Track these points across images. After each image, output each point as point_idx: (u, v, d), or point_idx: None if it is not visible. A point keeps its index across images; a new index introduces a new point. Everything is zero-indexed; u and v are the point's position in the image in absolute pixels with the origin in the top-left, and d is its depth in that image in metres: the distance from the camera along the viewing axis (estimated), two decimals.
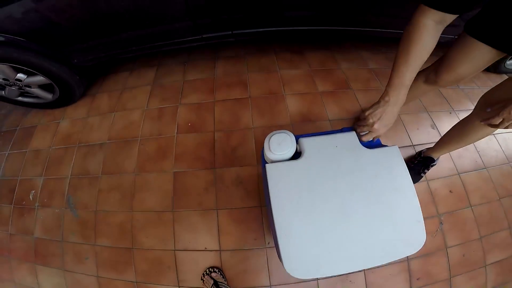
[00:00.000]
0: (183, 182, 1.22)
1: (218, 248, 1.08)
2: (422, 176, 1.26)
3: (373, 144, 0.69)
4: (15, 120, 1.68)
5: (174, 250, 1.11)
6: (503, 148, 1.41)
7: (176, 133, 1.37)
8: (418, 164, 1.25)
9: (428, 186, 1.27)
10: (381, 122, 0.67)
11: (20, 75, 1.42)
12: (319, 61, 1.62)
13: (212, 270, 1.03)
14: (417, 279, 1.14)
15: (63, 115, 1.60)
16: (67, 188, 1.34)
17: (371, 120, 0.67)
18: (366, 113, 0.69)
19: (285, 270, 0.54)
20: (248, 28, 1.40)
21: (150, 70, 1.68)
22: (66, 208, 1.30)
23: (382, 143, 0.71)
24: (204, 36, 1.39)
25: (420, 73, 0.98)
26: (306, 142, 0.65)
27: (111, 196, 1.26)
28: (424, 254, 1.17)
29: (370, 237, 0.56)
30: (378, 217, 0.57)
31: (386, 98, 0.67)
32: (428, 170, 1.26)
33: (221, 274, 1.03)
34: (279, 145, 0.62)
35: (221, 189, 1.18)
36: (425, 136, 1.37)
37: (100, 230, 1.21)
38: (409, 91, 0.80)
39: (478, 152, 1.39)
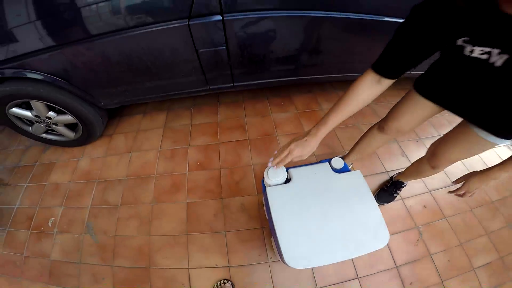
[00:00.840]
0: (195, 210, 1.43)
1: (227, 265, 1.26)
2: (395, 197, 1.47)
3: (342, 170, 0.95)
4: (33, 155, 1.83)
5: (188, 268, 1.27)
6: (467, 167, 1.66)
7: (187, 171, 1.60)
8: (391, 187, 1.47)
9: (404, 203, 1.49)
10: (298, 146, 0.79)
11: (51, 113, 1.57)
12: (304, 103, 1.96)
13: (225, 281, 1.21)
14: (410, 284, 1.28)
15: (82, 154, 1.78)
16: (87, 217, 1.48)
17: (292, 144, 0.80)
18: (292, 139, 0.83)
19: (286, 264, 0.75)
20: (246, 81, 1.69)
21: (161, 114, 1.95)
22: (86, 234, 1.43)
23: (360, 171, 0.98)
24: (211, 87, 1.67)
25: (376, 124, 1.17)
26: (293, 171, 0.93)
27: (129, 223, 1.42)
28: (410, 261, 1.32)
29: (346, 236, 0.80)
30: (350, 222, 0.82)
31: (311, 131, 0.80)
32: (400, 191, 1.47)
33: (232, 286, 1.22)
34: (275, 174, 0.89)
35: (228, 215, 1.40)
36: (396, 163, 1.64)
37: (118, 252, 1.35)
38: (366, 141, 1.07)
39: (445, 172, 1.59)
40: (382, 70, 0.72)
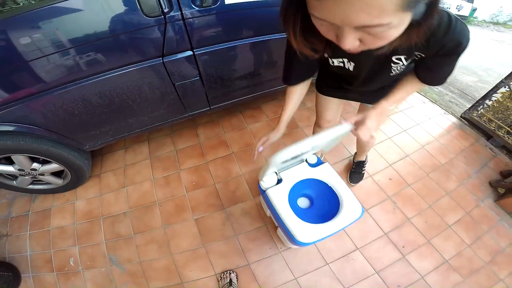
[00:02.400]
0: (204, 224, 1.65)
1: (246, 263, 1.51)
2: (363, 174, 1.77)
3: (317, 164, 1.29)
4: (22, 206, 1.79)
5: (215, 274, 1.48)
6: (415, 138, 2.04)
7: (186, 192, 1.79)
8: (356, 167, 1.77)
9: (373, 179, 1.80)
10: (270, 135, 1.04)
11: (35, 165, 1.55)
12: (272, 111, 2.25)
13: (230, 272, 1.45)
14: (403, 247, 1.55)
15: (75, 197, 1.81)
16: (105, 250, 1.58)
17: (265, 137, 1.05)
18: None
19: (298, 244, 1.07)
20: (221, 102, 1.87)
21: (142, 145, 2.06)
22: (111, 266, 1.54)
23: (327, 160, 1.34)
24: (189, 114, 1.82)
25: (315, 124, 1.44)
26: (282, 174, 1.23)
27: (149, 248, 1.57)
28: (394, 227, 1.60)
29: (332, 214, 1.14)
30: (332, 203, 1.17)
31: (275, 128, 1.04)
32: (364, 168, 1.77)
33: (236, 277, 1.45)
34: (269, 179, 1.21)
35: (234, 221, 1.65)
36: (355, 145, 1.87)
37: (149, 276, 1.49)
38: None
39: (398, 146, 1.98)
40: (288, 82, 1.00)
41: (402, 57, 0.75)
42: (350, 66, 0.84)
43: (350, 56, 0.81)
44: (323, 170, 1.27)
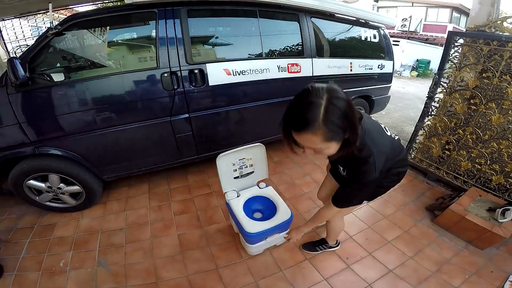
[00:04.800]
0: (185, 238, 1.95)
1: (215, 267, 1.74)
2: (317, 250, 1.86)
3: (264, 187, 1.87)
4: (30, 220, 2.06)
5: (188, 275, 1.69)
6: None
7: (174, 216, 2.16)
8: (318, 242, 1.86)
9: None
10: (294, 231, 1.49)
11: (62, 185, 1.92)
12: None
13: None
14: (346, 258, 1.78)
15: (81, 216, 2.12)
16: (96, 255, 1.80)
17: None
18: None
19: (247, 235, 1.55)
20: (207, 152, 2.41)
21: (143, 184, 2.51)
22: (98, 267, 1.72)
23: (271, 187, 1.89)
24: (183, 159, 2.37)
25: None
26: (240, 192, 1.81)
27: (135, 254, 1.81)
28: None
29: (272, 215, 1.67)
30: (271, 211, 1.72)
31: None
32: (324, 248, 1.84)
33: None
34: (231, 195, 1.77)
35: (209, 236, 1.96)
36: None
37: (130, 275, 1.66)
38: None
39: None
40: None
41: (341, 168, 1.19)
42: (344, 172, 1.19)
43: (343, 165, 1.17)
44: (268, 190, 1.87)
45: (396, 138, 1.19)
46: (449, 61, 2.19)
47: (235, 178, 1.85)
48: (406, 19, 12.17)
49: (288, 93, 2.48)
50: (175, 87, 1.97)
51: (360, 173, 1.01)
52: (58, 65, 1.91)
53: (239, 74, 2.19)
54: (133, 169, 2.25)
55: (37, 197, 1.99)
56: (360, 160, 0.97)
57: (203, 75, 2.04)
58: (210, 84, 2.08)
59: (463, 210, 1.93)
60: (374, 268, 1.75)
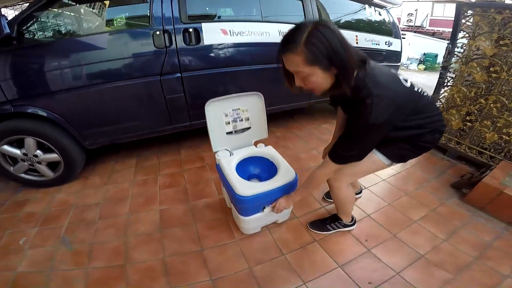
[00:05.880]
0: (167, 213, 1.61)
1: (200, 248, 1.38)
2: (329, 229, 1.46)
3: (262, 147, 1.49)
4: (4, 196, 1.81)
5: (163, 257, 1.34)
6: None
7: (159, 189, 1.82)
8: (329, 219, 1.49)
9: None
10: (283, 199, 1.28)
11: (38, 152, 1.68)
12: None
13: None
14: (366, 240, 1.42)
15: (59, 191, 1.85)
16: (63, 232, 1.51)
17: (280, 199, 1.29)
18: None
19: (239, 197, 1.18)
20: (200, 119, 2.08)
21: (132, 159, 2.21)
22: (59, 245, 1.42)
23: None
24: (174, 126, 2.05)
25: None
26: (233, 151, 1.42)
27: (106, 231, 1.49)
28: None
29: (272, 175, 1.26)
30: (270, 173, 1.30)
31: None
32: (337, 227, 1.46)
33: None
34: (222, 153, 1.40)
35: (196, 212, 1.60)
36: None
37: (94, 256, 1.36)
38: None
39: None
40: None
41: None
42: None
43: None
44: (267, 150, 1.48)
45: (424, 94, 1.03)
46: (462, 31, 2.04)
47: (228, 133, 1.49)
48: (412, 13, 11.82)
49: None
50: (167, 44, 1.77)
51: (356, 113, 0.90)
52: (48, 25, 1.68)
53: (236, 35, 1.98)
54: (118, 135, 1.95)
55: (12, 168, 1.77)
56: (358, 101, 0.88)
57: (198, 34, 1.86)
58: (205, 43, 1.88)
59: (499, 183, 1.55)
60: (401, 252, 1.37)
